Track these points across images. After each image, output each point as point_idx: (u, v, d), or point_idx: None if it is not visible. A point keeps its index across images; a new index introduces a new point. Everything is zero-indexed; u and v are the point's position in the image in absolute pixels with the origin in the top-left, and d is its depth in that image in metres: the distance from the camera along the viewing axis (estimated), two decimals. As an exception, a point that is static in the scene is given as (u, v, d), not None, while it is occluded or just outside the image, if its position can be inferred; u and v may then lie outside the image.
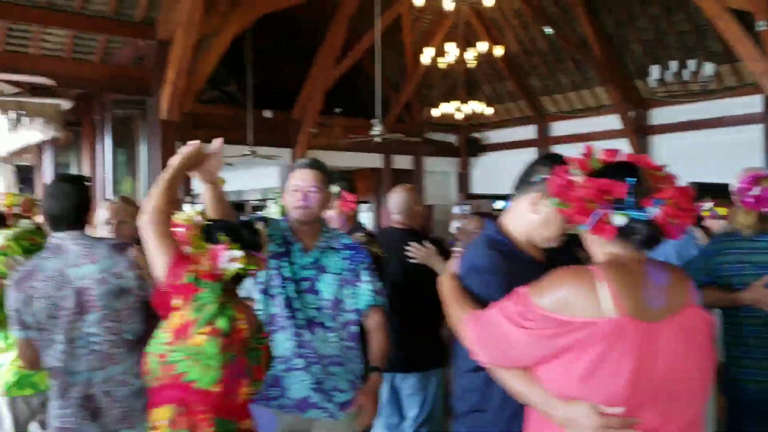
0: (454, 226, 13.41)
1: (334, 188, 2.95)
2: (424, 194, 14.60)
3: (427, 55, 10.85)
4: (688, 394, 1.66)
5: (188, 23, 8.46)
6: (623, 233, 1.65)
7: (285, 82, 14.59)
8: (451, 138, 15.53)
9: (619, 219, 1.63)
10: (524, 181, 2.09)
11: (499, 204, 13.80)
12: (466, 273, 2.04)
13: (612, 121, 12.60)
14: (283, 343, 2.71)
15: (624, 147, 11.42)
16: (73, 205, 2.68)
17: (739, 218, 2.94)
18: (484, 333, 1.77)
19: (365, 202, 14.64)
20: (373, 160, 14.22)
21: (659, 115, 12.25)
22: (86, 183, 2.91)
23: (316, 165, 2.88)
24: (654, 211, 1.62)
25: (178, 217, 2.21)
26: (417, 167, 14.89)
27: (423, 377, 3.78)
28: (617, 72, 12.13)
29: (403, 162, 14.75)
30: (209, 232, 2.19)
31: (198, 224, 2.20)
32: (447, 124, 14.25)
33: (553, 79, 13.42)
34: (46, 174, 11.57)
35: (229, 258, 2.14)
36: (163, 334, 2.13)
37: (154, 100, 9.28)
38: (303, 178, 2.81)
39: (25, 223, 3.63)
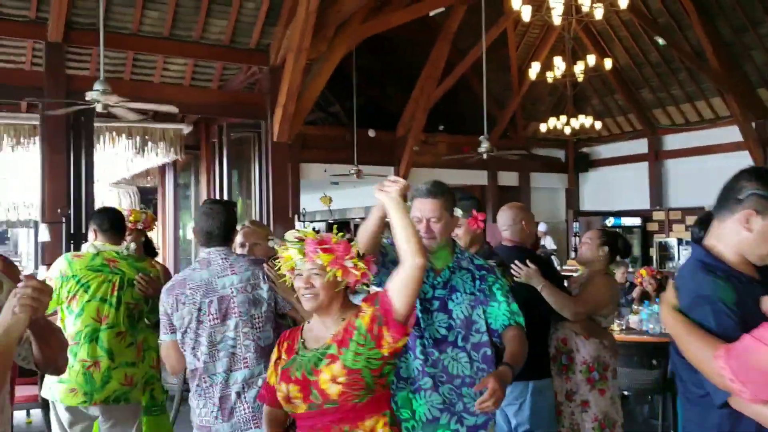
0: (540, 242, 13.16)
1: (458, 212, 2.87)
2: (532, 211, 14.36)
3: (534, 70, 10.74)
4: None
5: (298, 49, 8.74)
6: None
7: (388, 101, 14.80)
8: (559, 153, 15.24)
9: None
10: (730, 198, 1.96)
11: (609, 220, 13.44)
12: (692, 304, 1.90)
13: (731, 133, 12.02)
14: (411, 363, 2.72)
15: (745, 160, 10.95)
16: (223, 223, 3.00)
17: None
18: (745, 367, 1.66)
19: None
20: (478, 178, 14.09)
21: (786, 125, 11.61)
22: (233, 207, 3.14)
23: (435, 192, 2.74)
24: None
25: (332, 236, 2.27)
26: (523, 184, 14.68)
27: (523, 386, 3.71)
28: (736, 81, 11.59)
29: (509, 179, 14.57)
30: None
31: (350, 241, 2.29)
32: (554, 139, 14.02)
33: (666, 91, 12.96)
34: (168, 195, 12.17)
35: (374, 272, 2.34)
36: (376, 352, 2.16)
37: (267, 124, 9.62)
38: (423, 209, 2.73)
39: (125, 246, 3.78)
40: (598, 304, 3.89)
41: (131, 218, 4.15)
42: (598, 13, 8.43)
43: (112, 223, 3.73)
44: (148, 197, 13.16)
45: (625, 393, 5.42)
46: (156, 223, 4.43)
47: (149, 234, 4.55)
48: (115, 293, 3.55)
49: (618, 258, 4.15)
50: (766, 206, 1.88)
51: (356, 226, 17.23)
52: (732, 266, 1.94)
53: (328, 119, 16.45)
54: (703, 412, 1.95)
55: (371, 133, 12.71)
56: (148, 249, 4.37)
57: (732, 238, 1.95)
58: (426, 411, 2.69)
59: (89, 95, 6.50)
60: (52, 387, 3.50)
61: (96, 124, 8.91)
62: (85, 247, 3.73)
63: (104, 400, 3.48)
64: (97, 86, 6.50)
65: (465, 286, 2.78)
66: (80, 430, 3.59)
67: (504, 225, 3.89)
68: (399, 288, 2.13)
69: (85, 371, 3.45)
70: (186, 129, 10.12)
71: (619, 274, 6.81)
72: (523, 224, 3.87)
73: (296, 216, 11.64)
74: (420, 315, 2.73)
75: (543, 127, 12.40)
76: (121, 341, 3.54)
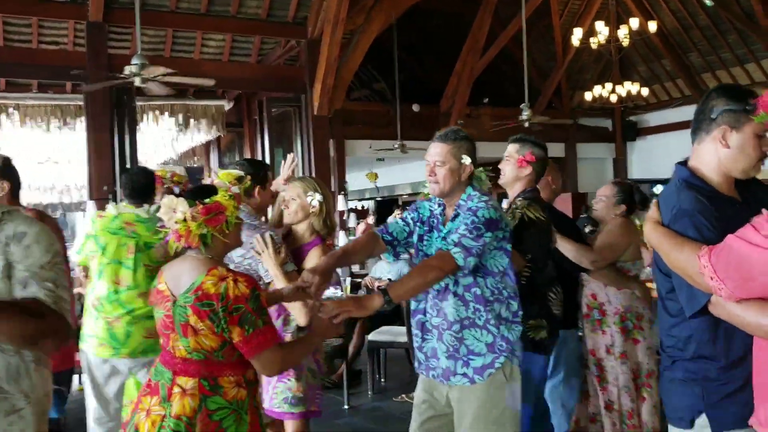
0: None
1: (467, 160, 2.74)
2: (579, 182, 14.17)
3: (576, 36, 10.53)
4: None
5: (335, 21, 8.77)
6: None
7: (432, 76, 14.72)
8: (606, 123, 14.94)
9: None
10: (703, 120, 2.01)
11: (658, 188, 13.13)
12: (673, 218, 1.96)
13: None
14: (428, 316, 2.76)
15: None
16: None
17: None
18: (725, 264, 1.71)
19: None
20: (523, 150, 13.89)
21: (841, 85, 11.15)
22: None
23: (445, 137, 2.73)
24: None
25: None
26: (570, 155, 14.46)
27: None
28: (789, 41, 11.16)
29: (555, 150, 14.31)
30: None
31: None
32: (600, 108, 13.74)
33: (715, 54, 12.56)
34: (213, 173, 12.36)
35: None
36: None
37: (306, 97, 9.67)
38: (430, 152, 2.73)
39: (146, 209, 3.73)
40: (614, 247, 3.80)
41: (174, 178, 4.21)
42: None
43: (134, 187, 3.70)
44: (195, 177, 13.39)
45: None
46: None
47: None
48: (131, 256, 3.53)
49: (638, 210, 4.05)
50: (738, 120, 1.94)
51: (404, 203, 17.33)
52: (715, 187, 2.00)
53: (373, 96, 16.45)
54: (677, 325, 2.05)
55: (415, 107, 12.65)
56: None
57: (712, 157, 2.00)
58: (441, 360, 2.73)
59: (127, 69, 6.63)
60: (87, 341, 3.58)
61: (138, 103, 9.10)
62: (110, 207, 3.74)
63: (130, 354, 3.52)
64: (135, 60, 6.64)
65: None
66: (115, 386, 3.61)
67: None
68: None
69: (108, 326, 3.49)
70: (227, 105, 10.25)
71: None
72: (549, 180, 3.78)
73: (342, 192, 11.70)
74: None
75: (588, 96, 12.16)
76: (142, 301, 3.52)
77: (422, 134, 12.37)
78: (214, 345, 2.18)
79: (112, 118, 8.60)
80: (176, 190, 4.27)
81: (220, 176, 3.29)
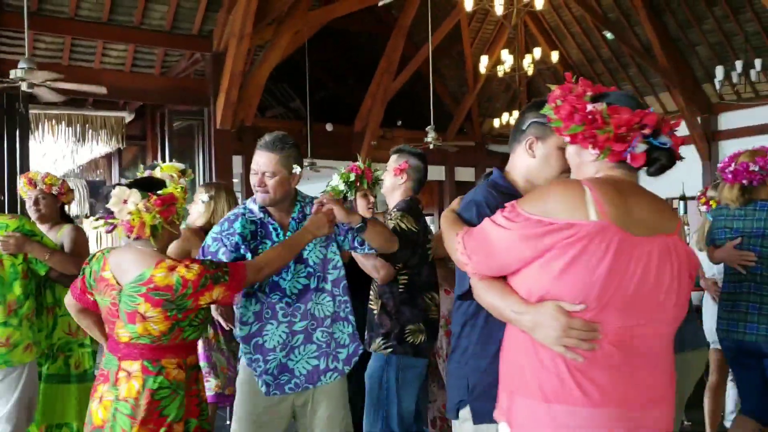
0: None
1: (297, 169, 2.70)
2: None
3: (483, 64, 10.75)
4: (655, 312, 1.69)
5: (240, 35, 8.69)
6: (648, 161, 1.72)
7: (348, 96, 14.80)
8: (515, 150, 15.32)
9: (642, 147, 1.71)
10: (516, 130, 2.15)
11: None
12: (464, 207, 2.11)
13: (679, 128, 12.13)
14: (276, 330, 2.66)
15: (691, 153, 11.03)
16: None
17: (725, 193, 3.49)
18: (472, 242, 1.84)
19: (429, 215, 14.58)
20: (435, 173, 14.14)
21: (728, 120, 11.76)
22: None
23: (274, 147, 2.64)
24: (669, 141, 1.72)
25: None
26: (479, 179, 14.72)
27: None
28: (683, 77, 11.70)
29: (465, 174, 14.65)
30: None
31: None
32: (509, 135, 14.06)
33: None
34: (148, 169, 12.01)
35: None
36: None
37: (209, 110, 9.53)
38: (259, 161, 2.65)
39: None
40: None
41: (46, 180, 4.06)
42: (539, 3, 8.45)
43: None
44: (97, 190, 12.97)
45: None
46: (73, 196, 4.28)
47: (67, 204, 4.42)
48: None
49: None
50: (544, 132, 2.06)
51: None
52: (519, 191, 2.12)
53: (288, 114, 16.39)
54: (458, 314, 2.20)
55: (329, 127, 12.67)
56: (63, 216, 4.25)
57: (521, 165, 2.14)
58: (304, 364, 2.68)
59: (13, 74, 6.39)
60: None
61: (33, 111, 8.77)
62: None
63: None
64: (22, 64, 6.40)
65: None
66: None
67: None
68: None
69: None
70: (128, 117, 10.00)
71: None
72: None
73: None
74: (279, 277, 2.66)
75: (496, 123, 12.44)
76: None
77: (335, 153, 12.43)
78: (164, 329, 2.31)
79: (1, 125, 8.25)
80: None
81: (163, 168, 3.38)
